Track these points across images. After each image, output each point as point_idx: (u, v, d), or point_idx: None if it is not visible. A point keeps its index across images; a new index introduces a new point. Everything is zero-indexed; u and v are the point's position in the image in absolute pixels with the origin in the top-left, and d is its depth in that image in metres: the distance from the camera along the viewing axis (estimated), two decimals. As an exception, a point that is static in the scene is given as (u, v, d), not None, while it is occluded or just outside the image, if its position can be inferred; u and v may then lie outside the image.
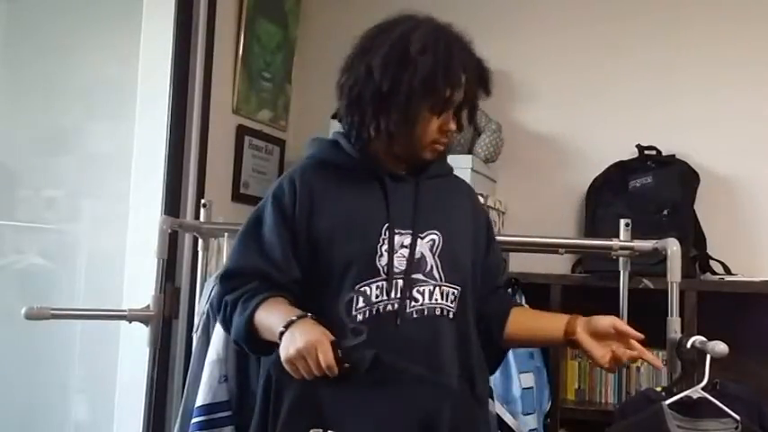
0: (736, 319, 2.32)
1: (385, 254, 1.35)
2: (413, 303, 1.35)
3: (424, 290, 1.37)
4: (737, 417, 1.40)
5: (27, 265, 2.47)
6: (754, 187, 2.52)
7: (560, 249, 1.97)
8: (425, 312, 1.36)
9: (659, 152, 2.54)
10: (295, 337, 1.23)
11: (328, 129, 2.63)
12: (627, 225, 1.89)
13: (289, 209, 1.39)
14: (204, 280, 2.09)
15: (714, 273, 2.42)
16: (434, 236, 1.40)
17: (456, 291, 1.40)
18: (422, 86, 1.33)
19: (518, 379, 2.02)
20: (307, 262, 1.38)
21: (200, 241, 2.15)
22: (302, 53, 2.99)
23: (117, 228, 2.44)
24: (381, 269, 1.34)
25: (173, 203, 2.36)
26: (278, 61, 2.87)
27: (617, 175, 2.57)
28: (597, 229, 2.48)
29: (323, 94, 2.93)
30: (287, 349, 1.23)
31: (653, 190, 2.48)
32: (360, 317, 1.33)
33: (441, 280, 1.38)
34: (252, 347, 1.38)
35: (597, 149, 2.64)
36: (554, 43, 2.72)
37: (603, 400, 2.48)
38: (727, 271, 2.42)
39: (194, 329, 1.92)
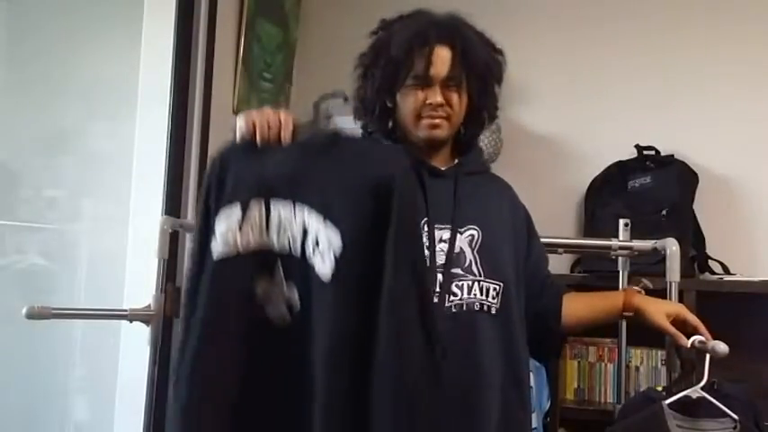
0: (735, 318, 2.32)
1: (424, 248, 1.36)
2: (451, 298, 1.36)
3: (462, 284, 1.37)
4: (736, 416, 1.40)
5: (28, 264, 2.46)
6: (753, 187, 2.53)
7: (559, 249, 1.98)
8: (464, 307, 1.37)
9: (658, 152, 2.55)
10: None
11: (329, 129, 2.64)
12: (626, 225, 1.90)
13: None
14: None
15: (713, 272, 2.43)
16: (474, 231, 1.41)
17: (498, 286, 1.40)
18: (381, 58, 1.40)
19: (518, 378, 2.02)
20: None
21: (200, 241, 2.14)
22: (302, 54, 3.00)
23: (118, 228, 2.44)
24: None
25: (173, 203, 2.36)
26: (278, 62, 2.87)
27: (616, 175, 2.57)
28: (596, 228, 2.49)
29: (323, 95, 2.97)
30: (246, 111, 1.26)
31: (652, 190, 2.49)
32: None
33: (480, 275, 1.39)
34: None
35: (596, 149, 2.64)
36: (553, 43, 2.73)
37: (603, 400, 2.48)
38: (726, 271, 2.43)
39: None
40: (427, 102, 1.40)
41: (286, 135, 1.22)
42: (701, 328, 1.46)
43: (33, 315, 1.76)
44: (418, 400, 1.12)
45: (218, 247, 1.17)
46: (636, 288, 1.57)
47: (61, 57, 2.60)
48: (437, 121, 1.41)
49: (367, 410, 1.10)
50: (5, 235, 2.46)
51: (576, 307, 1.56)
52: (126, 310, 1.93)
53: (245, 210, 1.19)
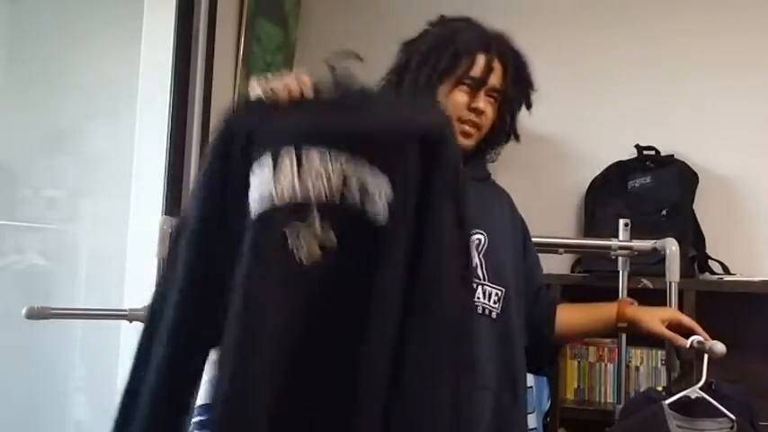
0: (735, 318, 2.32)
1: None
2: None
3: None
4: (733, 416, 1.40)
5: (27, 265, 2.46)
6: (753, 187, 2.53)
7: (559, 249, 1.98)
8: None
9: (658, 152, 2.55)
10: None
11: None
12: (626, 225, 1.90)
13: None
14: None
15: (713, 272, 2.43)
16: (480, 236, 1.42)
17: (500, 291, 1.41)
18: (428, 53, 1.41)
19: (517, 378, 2.02)
20: None
21: (200, 241, 2.15)
22: (302, 54, 3.00)
23: (117, 228, 2.44)
24: None
25: (173, 203, 2.36)
26: (278, 62, 2.87)
27: (616, 175, 2.57)
28: (596, 228, 2.49)
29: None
30: (259, 78, 1.22)
31: (652, 190, 2.49)
32: None
33: (484, 279, 1.40)
34: None
35: (596, 149, 2.64)
36: (553, 43, 2.73)
37: (603, 400, 2.48)
38: (726, 271, 2.43)
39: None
40: (471, 105, 1.42)
41: (307, 91, 1.18)
42: (698, 328, 1.47)
43: (33, 315, 1.76)
44: (463, 327, 1.13)
45: (254, 204, 1.13)
46: (628, 299, 1.57)
47: (61, 56, 2.60)
48: (470, 129, 1.44)
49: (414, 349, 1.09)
50: (5, 235, 2.46)
51: (571, 317, 1.57)
52: (126, 310, 1.93)
53: (275, 159, 1.14)
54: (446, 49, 1.41)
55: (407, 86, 1.42)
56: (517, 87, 1.46)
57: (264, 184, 1.13)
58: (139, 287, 2.17)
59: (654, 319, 1.50)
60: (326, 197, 1.14)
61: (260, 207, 1.13)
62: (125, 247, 2.40)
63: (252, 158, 1.15)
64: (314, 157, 1.14)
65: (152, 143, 2.38)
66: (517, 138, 1.54)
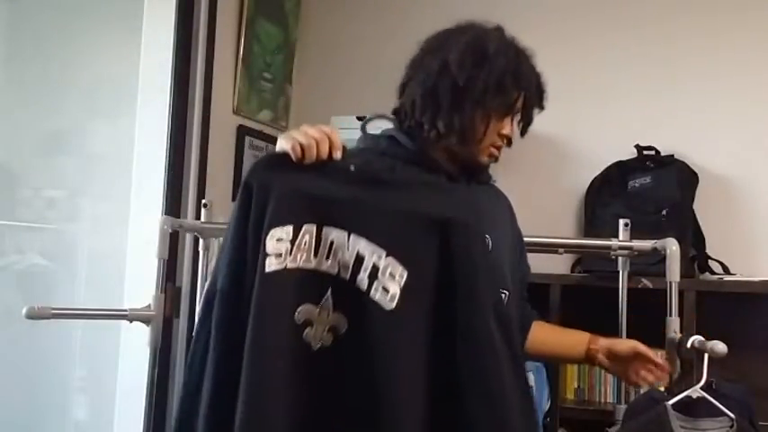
0: (734, 318, 2.33)
1: None
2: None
3: None
4: (732, 415, 1.41)
5: (28, 265, 2.46)
6: (752, 187, 2.53)
7: (560, 249, 1.98)
8: None
9: (658, 152, 2.55)
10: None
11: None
12: (626, 225, 1.89)
13: None
14: (205, 280, 2.09)
15: (713, 272, 2.43)
16: (486, 239, 1.42)
17: (503, 295, 1.40)
18: (495, 85, 1.36)
19: (518, 378, 2.02)
20: None
21: (200, 241, 2.15)
22: (302, 54, 3.00)
23: (118, 228, 2.44)
24: None
25: (173, 203, 2.36)
26: (278, 62, 2.87)
27: (616, 175, 2.57)
28: (596, 228, 2.49)
29: (323, 95, 2.98)
30: (286, 133, 1.21)
31: (652, 190, 2.49)
32: None
33: None
34: None
35: (596, 150, 2.64)
36: (553, 43, 2.72)
37: (603, 400, 2.48)
38: (726, 271, 2.43)
39: (195, 329, 1.92)
40: (503, 132, 1.42)
41: (337, 153, 1.19)
42: (656, 361, 1.49)
43: (33, 315, 1.76)
44: None
45: (271, 261, 1.15)
46: (594, 344, 1.55)
47: (61, 57, 2.60)
48: (498, 153, 1.45)
49: None
50: (5, 235, 2.47)
51: (544, 337, 1.58)
52: (126, 310, 1.93)
53: (296, 232, 1.16)
54: (505, 83, 1.37)
55: (450, 102, 1.37)
56: (535, 107, 1.46)
57: (282, 249, 1.15)
58: (139, 287, 2.17)
59: (625, 342, 1.53)
60: (341, 278, 1.15)
61: (273, 268, 1.14)
62: (125, 247, 2.40)
63: (271, 223, 1.16)
64: (333, 237, 1.16)
65: (152, 143, 2.38)
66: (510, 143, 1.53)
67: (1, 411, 2.34)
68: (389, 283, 1.14)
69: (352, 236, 1.16)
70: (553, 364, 2.31)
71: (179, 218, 2.29)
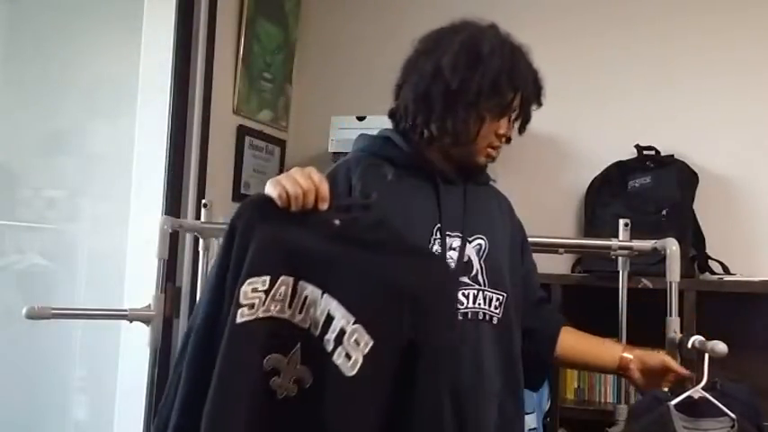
0: (735, 318, 2.32)
1: None
2: (458, 306, 1.35)
3: (468, 293, 1.37)
4: (733, 415, 1.40)
5: (28, 265, 2.46)
6: (752, 187, 2.53)
7: (560, 249, 1.98)
8: (468, 316, 1.36)
9: (658, 152, 2.55)
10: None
11: (329, 129, 2.63)
12: (626, 225, 1.89)
13: (344, 195, 1.37)
14: (205, 280, 2.09)
15: (713, 272, 2.43)
16: (481, 241, 1.42)
17: (501, 297, 1.40)
18: (490, 87, 1.35)
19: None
20: None
21: (200, 241, 2.15)
22: (302, 53, 3.00)
23: (118, 228, 2.44)
24: None
25: (173, 204, 2.36)
26: (278, 62, 2.87)
27: (616, 175, 2.57)
28: (596, 228, 2.49)
29: (323, 95, 2.98)
30: (276, 178, 1.21)
31: (652, 190, 2.49)
32: None
33: (484, 285, 1.39)
34: None
35: (596, 149, 2.64)
36: (554, 43, 2.72)
37: (603, 400, 2.48)
38: (726, 271, 2.43)
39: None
40: (500, 132, 1.41)
41: (323, 205, 1.20)
42: (685, 374, 1.47)
43: (33, 315, 1.76)
44: None
45: (243, 312, 1.16)
46: (628, 353, 1.53)
47: (61, 57, 2.60)
48: (495, 153, 1.44)
49: None
50: (5, 235, 2.47)
51: (575, 345, 1.54)
52: (126, 310, 1.92)
53: (273, 283, 1.17)
54: (500, 83, 1.35)
55: (442, 105, 1.36)
56: (533, 105, 1.44)
57: (255, 298, 1.16)
58: (139, 287, 2.17)
59: (657, 357, 1.50)
60: (311, 333, 1.17)
61: (245, 316, 1.15)
62: (125, 247, 2.40)
63: (249, 272, 1.16)
64: (308, 293, 1.18)
65: (152, 143, 2.38)
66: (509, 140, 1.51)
67: (1, 411, 2.34)
68: (353, 350, 1.16)
69: (325, 295, 1.18)
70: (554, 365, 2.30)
71: (179, 218, 2.29)
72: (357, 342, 1.15)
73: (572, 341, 1.54)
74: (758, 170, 2.52)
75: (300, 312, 1.18)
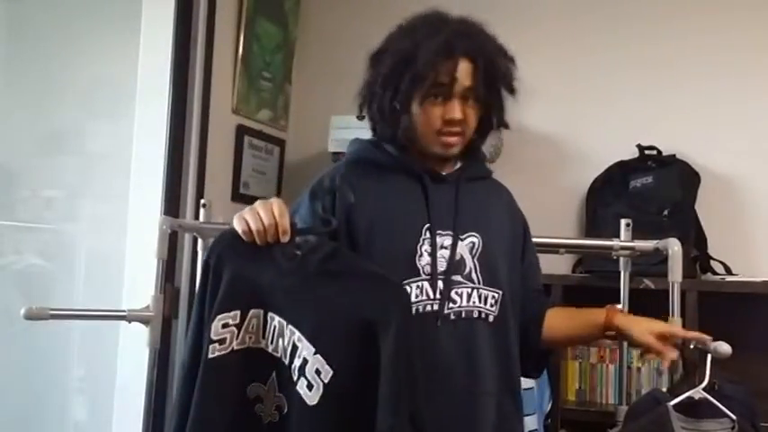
0: (736, 319, 2.31)
1: (425, 254, 1.35)
2: (450, 305, 1.35)
3: (462, 292, 1.36)
4: (733, 416, 1.40)
5: (26, 265, 2.46)
6: (754, 187, 2.52)
7: (561, 249, 1.97)
8: (462, 315, 1.36)
9: (660, 152, 2.54)
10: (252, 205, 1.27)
11: (328, 129, 2.63)
12: (627, 225, 1.89)
13: (328, 203, 1.37)
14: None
15: (715, 273, 2.42)
16: (474, 238, 1.40)
17: (496, 294, 1.39)
18: (405, 68, 1.34)
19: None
20: None
21: (199, 241, 2.14)
22: (302, 53, 2.99)
23: (116, 228, 2.43)
24: (421, 269, 1.34)
25: (172, 203, 2.35)
26: (278, 61, 2.87)
27: (617, 174, 2.56)
28: (598, 229, 2.48)
29: (323, 94, 2.97)
30: (240, 213, 1.27)
31: (653, 190, 2.48)
32: None
33: (479, 283, 1.38)
34: None
35: (597, 149, 2.63)
36: (555, 43, 2.72)
37: (604, 401, 2.47)
38: (728, 271, 2.42)
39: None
40: (446, 117, 1.36)
41: (284, 237, 1.24)
42: (696, 336, 1.43)
43: (31, 316, 1.76)
44: None
45: (214, 347, 1.23)
46: (617, 306, 1.52)
47: (60, 57, 2.59)
48: (452, 139, 1.38)
49: None
50: (4, 235, 2.46)
51: (558, 321, 1.50)
52: (124, 311, 1.92)
53: (244, 317, 1.24)
54: (407, 68, 1.33)
55: (376, 110, 1.40)
56: (490, 80, 1.38)
57: (228, 333, 1.23)
58: (138, 288, 2.16)
59: (643, 331, 1.41)
60: (282, 362, 1.23)
61: (219, 351, 1.22)
62: (124, 248, 2.39)
63: (219, 309, 1.24)
64: (276, 324, 1.24)
65: (151, 143, 2.37)
66: (506, 126, 1.46)
67: (1, 411, 2.34)
68: (314, 379, 1.20)
69: (289, 326, 1.23)
70: (554, 366, 2.30)
71: (178, 218, 2.28)
72: (318, 372, 1.20)
73: (558, 319, 1.51)
74: (760, 170, 2.51)
75: (272, 342, 1.24)
